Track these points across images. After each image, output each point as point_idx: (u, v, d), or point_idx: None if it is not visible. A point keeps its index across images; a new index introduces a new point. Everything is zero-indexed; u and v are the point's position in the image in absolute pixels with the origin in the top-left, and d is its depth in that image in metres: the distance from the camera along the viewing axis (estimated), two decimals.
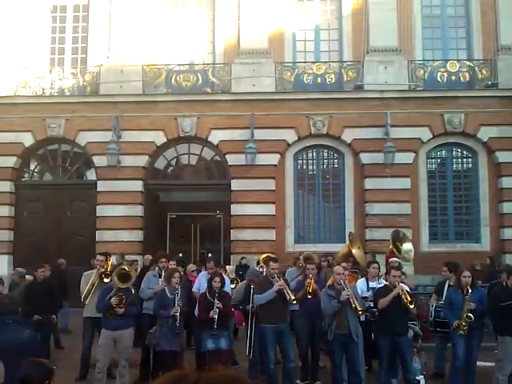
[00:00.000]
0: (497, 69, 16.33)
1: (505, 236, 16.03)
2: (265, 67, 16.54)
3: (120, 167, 16.16)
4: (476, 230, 16.47)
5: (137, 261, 13.43)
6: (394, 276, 7.68)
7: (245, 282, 8.94)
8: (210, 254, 15.64)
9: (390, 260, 10.01)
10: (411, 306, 7.37)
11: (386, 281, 8.31)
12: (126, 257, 13.04)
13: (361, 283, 8.88)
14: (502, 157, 16.19)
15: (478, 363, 8.01)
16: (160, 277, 8.97)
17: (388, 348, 7.57)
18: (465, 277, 7.76)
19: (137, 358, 8.79)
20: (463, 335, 7.62)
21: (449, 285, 8.94)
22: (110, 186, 16.25)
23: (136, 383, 8.49)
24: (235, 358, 9.43)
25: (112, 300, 7.51)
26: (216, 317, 7.67)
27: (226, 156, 16.57)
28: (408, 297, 7.33)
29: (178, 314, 7.77)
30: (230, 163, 16.53)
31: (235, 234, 16.30)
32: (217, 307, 7.70)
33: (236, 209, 16.37)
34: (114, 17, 16.87)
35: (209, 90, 16.81)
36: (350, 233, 13.73)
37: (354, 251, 11.58)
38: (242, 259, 15.18)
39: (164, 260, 9.26)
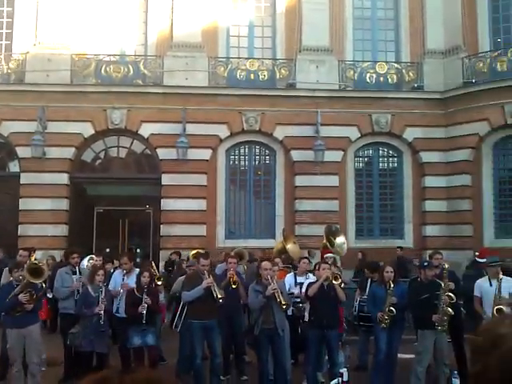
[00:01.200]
0: (423, 72, 16.96)
1: (426, 233, 16.71)
2: (198, 61, 16.41)
3: (45, 159, 15.57)
4: (400, 227, 17.08)
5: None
6: (324, 269, 7.84)
7: (184, 276, 8.83)
8: (138, 250, 15.40)
9: (326, 256, 10.17)
10: (284, 307, 7.52)
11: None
12: (49, 252, 12.61)
13: (289, 278, 8.98)
14: (426, 157, 16.85)
15: (399, 355, 8.30)
16: (74, 273, 8.71)
17: (316, 341, 7.71)
18: (387, 272, 8.02)
19: (58, 356, 8.51)
20: (385, 328, 7.86)
21: (371, 280, 9.22)
22: (34, 178, 15.62)
23: (60, 382, 8.23)
24: (162, 354, 9.32)
25: (20, 296, 7.17)
26: (144, 312, 7.55)
27: (157, 150, 16.32)
28: (282, 300, 7.47)
29: (102, 313, 7.60)
30: (160, 157, 16.30)
31: (165, 230, 16.11)
32: (145, 302, 7.58)
33: (166, 204, 16.17)
34: (42, 2, 16.19)
35: (140, 82, 16.49)
36: (284, 229, 13.89)
37: (288, 246, 11.70)
38: (171, 255, 15.00)
39: (75, 256, 8.93)
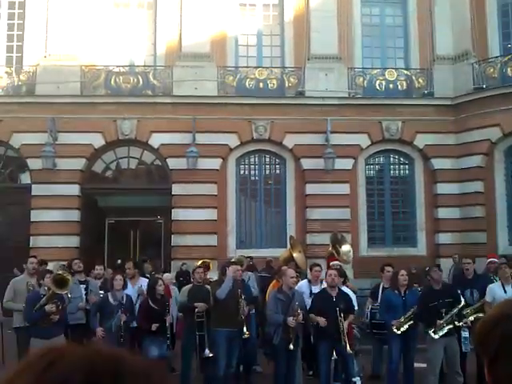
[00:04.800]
0: (433, 78, 16.85)
1: (439, 241, 16.52)
2: (207, 71, 16.43)
3: (56, 170, 15.63)
4: (412, 235, 16.90)
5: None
6: (330, 275, 7.78)
7: (189, 285, 8.79)
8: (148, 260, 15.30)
9: (332, 263, 10.10)
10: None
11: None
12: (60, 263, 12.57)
13: (304, 287, 8.85)
14: (437, 163, 16.71)
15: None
16: (82, 283, 8.71)
17: (328, 353, 7.62)
18: (402, 275, 7.92)
19: None
20: (399, 336, 7.75)
21: (383, 287, 9.11)
22: (45, 189, 15.66)
23: None
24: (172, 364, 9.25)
25: (47, 308, 7.10)
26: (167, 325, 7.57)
27: (167, 160, 16.32)
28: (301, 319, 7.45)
29: (122, 323, 7.52)
30: (170, 167, 16.30)
31: (176, 240, 16.06)
32: (167, 319, 7.60)
33: (177, 214, 16.14)
34: (52, 15, 16.33)
35: (149, 92, 16.54)
36: (291, 237, 13.81)
37: (295, 255, 11.61)
38: (182, 265, 14.94)
39: (77, 261, 8.96)
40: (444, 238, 16.48)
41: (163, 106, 16.20)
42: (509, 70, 15.87)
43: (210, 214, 16.14)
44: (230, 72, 16.78)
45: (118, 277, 7.93)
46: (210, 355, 8.06)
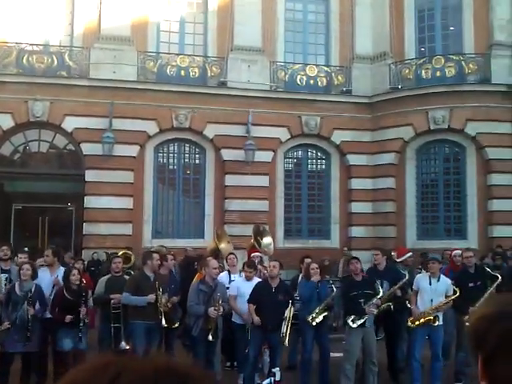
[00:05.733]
0: (351, 76, 17.29)
1: (352, 234, 17.05)
2: (126, 55, 15.90)
3: None
4: (327, 228, 17.33)
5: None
6: (312, 269, 7.91)
7: (106, 276, 8.43)
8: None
9: (252, 255, 10.10)
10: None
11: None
12: None
13: (224, 277, 8.78)
14: (353, 159, 17.20)
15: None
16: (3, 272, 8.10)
17: (259, 343, 7.65)
18: (313, 269, 8.07)
19: None
20: (313, 327, 7.88)
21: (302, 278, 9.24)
22: None
23: None
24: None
25: None
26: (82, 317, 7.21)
27: (81, 145, 15.68)
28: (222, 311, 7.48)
29: (27, 312, 7.10)
30: (85, 153, 15.67)
31: (88, 228, 15.48)
32: (81, 311, 7.23)
33: (90, 201, 15.56)
34: None
35: (64, 73, 15.77)
36: (218, 227, 13.75)
37: (221, 246, 11.53)
38: (93, 254, 14.46)
39: (5, 248, 8.24)
40: (356, 231, 17.03)
41: (79, 88, 15.51)
42: (423, 72, 16.61)
43: (125, 203, 15.68)
44: (150, 57, 16.35)
45: (26, 266, 7.43)
46: (127, 347, 7.81)
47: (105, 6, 15.96)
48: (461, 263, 9.62)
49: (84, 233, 15.53)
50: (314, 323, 7.91)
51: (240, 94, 16.34)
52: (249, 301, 7.73)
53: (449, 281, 8.19)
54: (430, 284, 7.97)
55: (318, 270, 8.10)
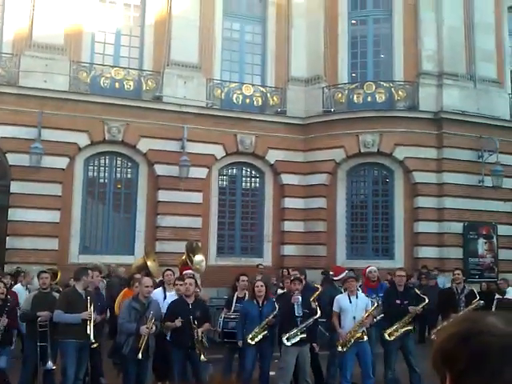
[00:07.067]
0: (286, 97, 17.59)
1: (284, 252, 17.19)
2: (58, 64, 15.43)
3: None
4: (259, 246, 17.39)
5: None
6: (186, 284, 7.78)
7: (33, 292, 8.02)
8: None
9: (184, 272, 9.94)
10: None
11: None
12: None
13: (158, 294, 8.57)
14: (286, 179, 17.43)
15: None
16: None
17: (181, 360, 7.46)
18: (257, 287, 8.04)
19: None
20: (253, 345, 7.83)
21: (237, 297, 9.18)
22: None
23: None
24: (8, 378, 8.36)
25: None
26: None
27: (7, 155, 14.98)
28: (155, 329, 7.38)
29: None
30: (10, 163, 14.97)
31: (12, 242, 14.75)
32: (2, 323, 6.80)
33: (14, 214, 14.85)
34: None
35: None
36: (146, 245, 13.46)
37: (149, 263, 11.30)
38: (17, 268, 13.75)
39: None
40: (288, 249, 17.19)
41: (7, 96, 14.87)
42: (355, 96, 17.14)
43: (52, 216, 15.09)
44: (84, 68, 15.95)
45: None
46: (53, 368, 7.44)
47: (38, 12, 15.46)
48: (376, 279, 10.00)
49: (7, 247, 14.77)
50: (253, 342, 7.88)
51: (175, 109, 16.22)
52: (165, 318, 7.63)
53: (366, 297, 8.46)
54: (350, 302, 8.15)
55: (264, 288, 8.09)
